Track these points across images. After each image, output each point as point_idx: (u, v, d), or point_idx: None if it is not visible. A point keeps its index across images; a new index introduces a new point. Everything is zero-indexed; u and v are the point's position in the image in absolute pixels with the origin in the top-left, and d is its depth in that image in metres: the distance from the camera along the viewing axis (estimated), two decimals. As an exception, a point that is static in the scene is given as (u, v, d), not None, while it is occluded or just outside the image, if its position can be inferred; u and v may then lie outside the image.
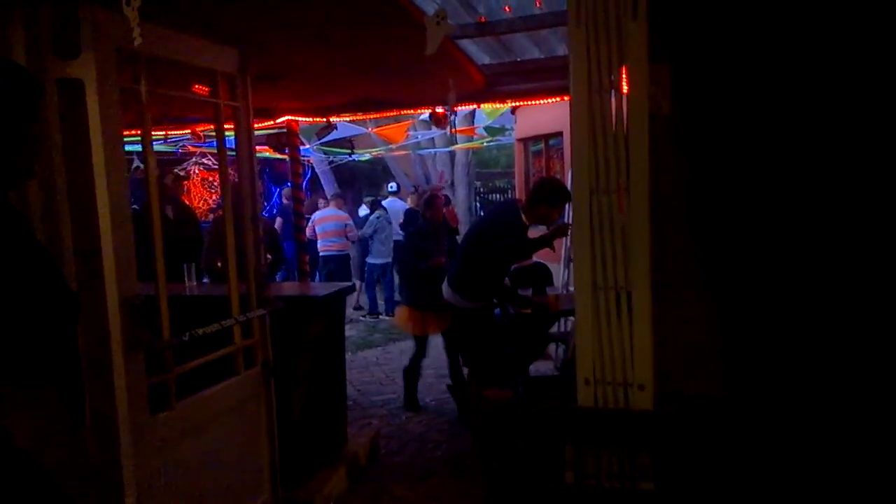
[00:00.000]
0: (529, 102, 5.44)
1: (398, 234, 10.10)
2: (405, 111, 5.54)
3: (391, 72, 4.50)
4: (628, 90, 1.78)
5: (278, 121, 5.32)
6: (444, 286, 4.31)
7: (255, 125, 5.61)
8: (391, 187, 11.08)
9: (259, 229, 3.01)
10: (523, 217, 4.14)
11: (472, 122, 14.13)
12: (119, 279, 2.14)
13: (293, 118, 5.26)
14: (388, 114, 5.61)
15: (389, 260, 9.42)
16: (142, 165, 11.65)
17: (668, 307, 1.84)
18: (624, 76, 1.80)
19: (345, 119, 5.70)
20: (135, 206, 10.59)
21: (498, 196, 18.26)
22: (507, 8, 4.14)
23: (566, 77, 5.29)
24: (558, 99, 5.30)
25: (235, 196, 3.03)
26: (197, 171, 12.67)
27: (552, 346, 6.23)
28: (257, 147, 8.92)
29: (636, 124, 1.77)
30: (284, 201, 10.60)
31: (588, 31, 1.81)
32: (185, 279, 4.35)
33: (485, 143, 13.80)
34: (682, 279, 2.02)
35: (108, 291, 2.13)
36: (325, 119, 5.35)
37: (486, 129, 10.92)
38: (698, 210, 1.98)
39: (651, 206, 1.77)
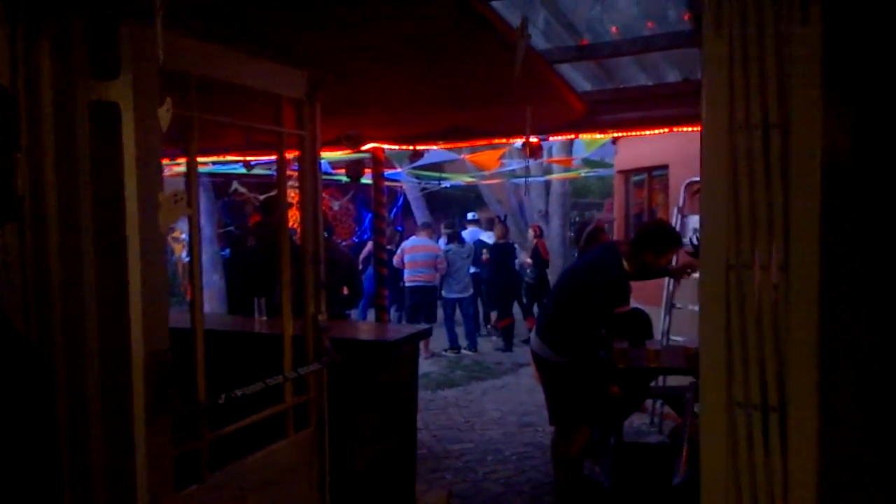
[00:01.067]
0: (634, 133, 4.91)
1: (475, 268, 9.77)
2: (497, 140, 5.16)
3: (479, 99, 4.15)
4: (791, 124, 1.25)
5: (364, 148, 5.09)
6: (533, 336, 3.85)
7: (338, 151, 5.50)
8: (471, 216, 10.76)
9: (321, 272, 2.69)
10: (625, 264, 3.63)
11: (570, 152, 13.61)
12: (146, 329, 1.86)
13: (379, 145, 5.01)
14: (478, 143, 5.24)
15: (466, 295, 9.05)
16: (241, 189, 12.00)
17: (838, 435, 1.25)
18: (781, 104, 1.28)
19: (432, 147, 5.40)
20: (230, 227, 10.82)
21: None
22: (614, 28, 3.69)
23: (675, 105, 4.80)
24: (665, 130, 4.75)
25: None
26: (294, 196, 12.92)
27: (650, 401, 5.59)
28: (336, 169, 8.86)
29: (803, 173, 1.24)
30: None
31: (733, 44, 1.32)
32: (255, 313, 4.15)
33: (582, 174, 13.21)
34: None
35: (134, 344, 1.85)
36: (411, 147, 5.07)
37: (585, 160, 10.36)
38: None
39: (821, 288, 1.23)
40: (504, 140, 5.28)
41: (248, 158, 6.13)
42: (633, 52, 3.75)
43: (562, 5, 3.38)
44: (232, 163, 7.41)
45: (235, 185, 11.48)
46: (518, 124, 4.86)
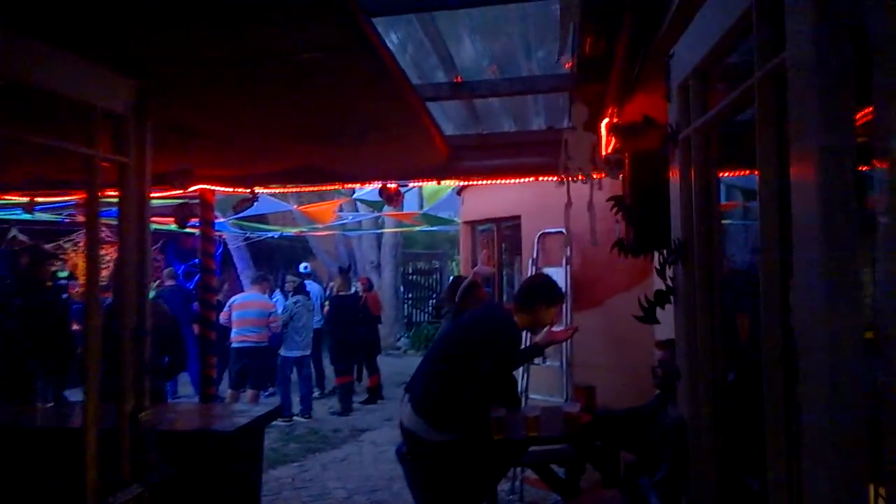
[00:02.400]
0: (497, 182, 4.65)
1: (317, 322, 8.98)
2: (350, 185, 4.61)
3: (341, 136, 3.61)
4: None
5: (190, 190, 4.26)
6: (406, 410, 3.28)
7: (159, 194, 4.56)
8: (304, 268, 9.97)
9: (146, 351, 1.93)
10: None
11: (402, 206, 13.36)
12: None
13: (208, 187, 4.22)
14: (327, 187, 4.65)
15: (307, 353, 8.21)
16: (20, 235, 10.02)
17: None
18: None
19: (274, 190, 4.70)
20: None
21: (422, 279, 17.40)
22: (492, 68, 3.39)
23: (539, 154, 4.66)
24: (530, 179, 4.57)
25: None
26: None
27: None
28: (160, 218, 7.69)
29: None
30: (168, 283, 9.36)
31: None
32: (37, 398, 3.12)
33: (416, 230, 13.04)
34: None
35: None
36: (249, 190, 4.33)
37: (424, 216, 10.14)
38: None
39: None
40: (358, 185, 4.74)
41: (35, 199, 4.89)
42: (511, 92, 3.48)
43: (444, 36, 3.01)
44: (10, 206, 5.99)
45: (14, 231, 9.55)
46: (378, 168, 4.40)
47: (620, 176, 3.50)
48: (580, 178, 3.45)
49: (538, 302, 3.24)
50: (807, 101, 0.98)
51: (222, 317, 7.67)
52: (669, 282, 1.98)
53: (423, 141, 3.73)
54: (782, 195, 1.15)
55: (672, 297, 1.99)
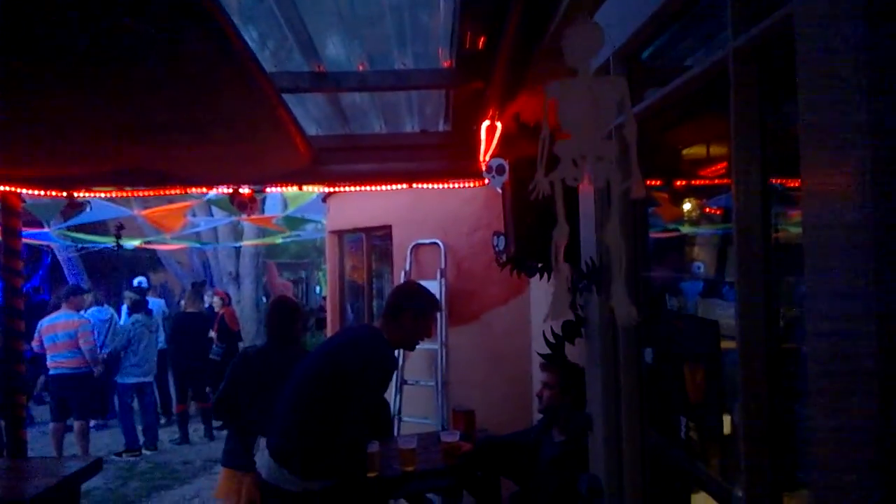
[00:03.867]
0: (366, 188, 4.24)
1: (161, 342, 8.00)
2: (193, 189, 3.97)
3: (180, 131, 3.02)
4: None
5: (-14, 192, 3.44)
6: (262, 457, 2.75)
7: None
8: (139, 282, 8.85)
9: None
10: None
11: (262, 210, 12.51)
12: None
13: (13, 189, 3.42)
14: (164, 192, 3.98)
15: (148, 379, 7.26)
16: None
17: None
18: None
19: (99, 195, 3.94)
20: None
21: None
22: (361, 64, 2.97)
23: (412, 159, 4.29)
24: (402, 186, 4.20)
25: None
26: None
27: None
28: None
29: None
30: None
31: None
32: None
33: (280, 240, 12.21)
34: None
35: None
36: (67, 194, 3.57)
37: (286, 219, 9.44)
38: None
39: None
40: (203, 189, 4.11)
41: None
42: (383, 86, 3.08)
43: (306, 23, 2.55)
44: None
45: None
46: (226, 170, 3.81)
47: (503, 184, 3.22)
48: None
49: (410, 312, 2.84)
50: (839, 71, 0.67)
51: (34, 343, 6.58)
52: (580, 311, 1.66)
53: (279, 140, 3.23)
54: (765, 211, 0.85)
55: (582, 330, 1.68)
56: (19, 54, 2.12)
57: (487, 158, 3.42)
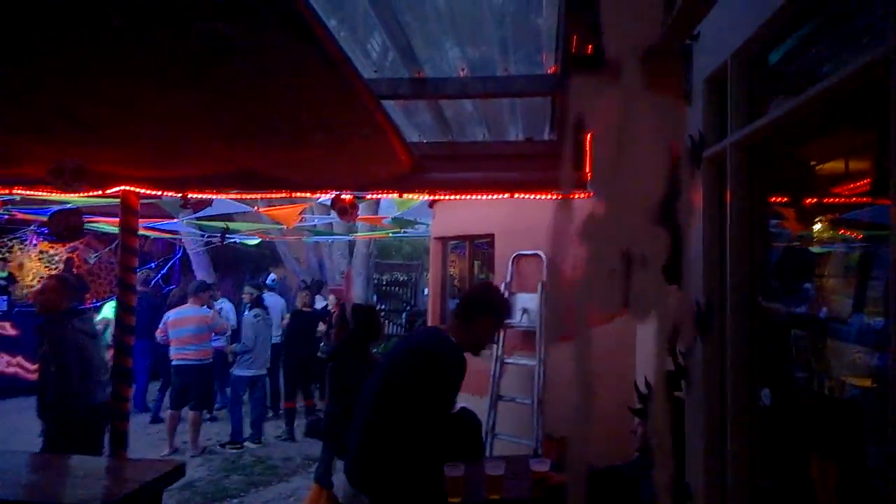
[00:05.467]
0: (466, 196, 4.12)
1: (277, 337, 8.30)
2: (300, 193, 4.03)
3: (286, 138, 3.05)
4: None
5: (110, 191, 3.66)
6: (347, 489, 2.71)
7: (80, 193, 3.95)
8: (270, 280, 9.23)
9: None
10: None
11: (377, 210, 12.78)
12: None
13: (132, 189, 3.62)
14: (270, 195, 4.07)
15: (262, 372, 7.50)
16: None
17: None
18: None
19: (212, 196, 4.11)
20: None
21: (398, 289, 16.77)
22: (461, 70, 2.86)
23: (515, 168, 4.13)
24: (504, 196, 4.04)
25: None
26: (35, 243, 10.25)
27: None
28: (108, 219, 7.02)
29: None
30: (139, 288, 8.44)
31: None
32: None
33: (390, 234, 12.45)
34: None
35: None
36: (182, 194, 3.74)
37: (395, 220, 9.57)
38: None
39: None
40: (309, 194, 4.17)
41: None
42: (485, 93, 2.95)
43: (406, 28, 2.47)
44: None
45: None
46: (328, 176, 3.84)
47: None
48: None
49: (477, 316, 2.69)
50: None
51: (158, 334, 7.03)
52: (681, 359, 1.43)
53: (379, 146, 3.18)
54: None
55: (684, 382, 1.44)
56: (127, 63, 2.19)
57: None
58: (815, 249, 2.33)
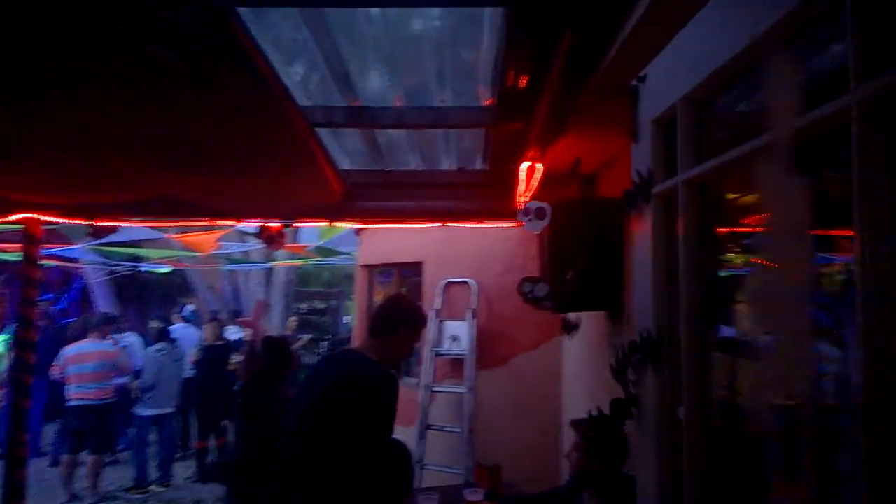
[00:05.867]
0: (399, 225, 4.10)
1: (189, 372, 7.87)
2: (221, 221, 3.87)
3: (210, 162, 2.92)
4: None
5: (12, 218, 3.38)
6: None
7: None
8: (187, 312, 8.77)
9: None
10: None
11: (296, 238, 12.47)
12: None
13: (34, 216, 3.36)
14: (192, 223, 3.89)
15: (169, 410, 7.05)
16: None
17: None
18: None
19: (121, 224, 3.86)
20: None
21: (317, 318, 16.34)
22: (398, 100, 2.84)
23: (450, 197, 4.14)
24: (438, 224, 4.04)
25: None
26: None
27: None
28: (3, 245, 6.46)
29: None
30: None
31: None
32: None
33: (310, 263, 12.17)
34: None
35: None
36: (91, 222, 3.50)
37: (318, 249, 9.38)
38: None
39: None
40: (233, 221, 4.00)
41: None
42: (420, 124, 2.95)
43: (342, 56, 2.44)
44: None
45: None
46: (257, 204, 3.71)
47: (541, 228, 3.03)
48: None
49: (403, 329, 2.64)
50: None
51: (54, 371, 6.49)
52: (631, 388, 1.45)
53: (311, 174, 3.11)
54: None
55: (633, 410, 1.46)
56: (41, 74, 2.04)
57: (525, 200, 3.25)
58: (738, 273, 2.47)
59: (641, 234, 1.40)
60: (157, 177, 3.25)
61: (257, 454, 3.48)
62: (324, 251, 9.38)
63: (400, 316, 2.70)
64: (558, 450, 4.72)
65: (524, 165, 3.05)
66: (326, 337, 15.92)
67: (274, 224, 3.73)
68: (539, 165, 3.01)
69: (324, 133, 3.12)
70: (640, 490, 1.37)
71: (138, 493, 6.62)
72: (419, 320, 2.77)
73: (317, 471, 2.42)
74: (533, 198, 3.19)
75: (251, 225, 3.87)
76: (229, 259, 11.74)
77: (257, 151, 2.80)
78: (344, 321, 17.04)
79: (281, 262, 12.03)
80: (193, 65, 1.96)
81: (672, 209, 1.29)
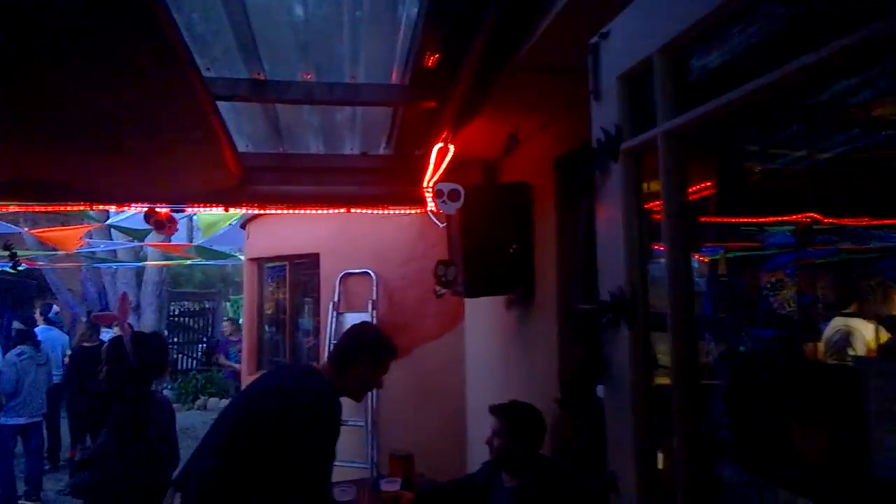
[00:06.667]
0: (300, 211, 3.93)
1: (57, 375, 7.15)
2: (100, 206, 3.52)
3: (88, 137, 2.63)
4: None
5: None
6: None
7: None
8: (52, 313, 7.95)
9: None
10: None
11: (169, 237, 11.69)
12: None
13: None
14: (65, 208, 3.51)
15: (37, 419, 6.38)
16: None
17: None
18: None
19: (-15, 210, 3.39)
20: None
21: (191, 320, 15.39)
22: (307, 74, 2.70)
23: (353, 182, 4.02)
24: (341, 210, 3.92)
25: None
26: None
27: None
28: None
29: None
30: None
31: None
32: None
33: (189, 263, 11.43)
34: None
35: None
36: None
37: (197, 248, 8.83)
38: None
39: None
40: (112, 208, 3.64)
41: None
42: (331, 100, 2.82)
43: (252, 25, 2.27)
44: None
45: None
46: (142, 185, 3.39)
47: (454, 210, 3.02)
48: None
49: (363, 364, 2.48)
50: None
51: None
52: (601, 350, 1.42)
53: (207, 153, 2.89)
54: None
55: (604, 374, 1.44)
56: None
57: (433, 183, 3.23)
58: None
59: (609, 192, 1.39)
60: (20, 153, 2.88)
61: (133, 473, 3.08)
62: (204, 251, 8.84)
63: (359, 347, 2.49)
64: (464, 438, 4.75)
65: (436, 147, 3.03)
66: (202, 340, 15.08)
67: (162, 209, 3.43)
68: (451, 147, 2.99)
69: (223, 109, 2.91)
70: (613, 454, 1.37)
71: (0, 514, 5.93)
72: (383, 353, 2.53)
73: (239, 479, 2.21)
74: (442, 180, 3.17)
75: (137, 210, 3.55)
76: (95, 258, 10.78)
77: (148, 123, 2.55)
78: (222, 324, 16.19)
79: (154, 263, 11.22)
80: (76, 22, 1.74)
81: (639, 166, 1.30)
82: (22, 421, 6.18)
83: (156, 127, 2.59)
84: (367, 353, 2.50)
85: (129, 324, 3.17)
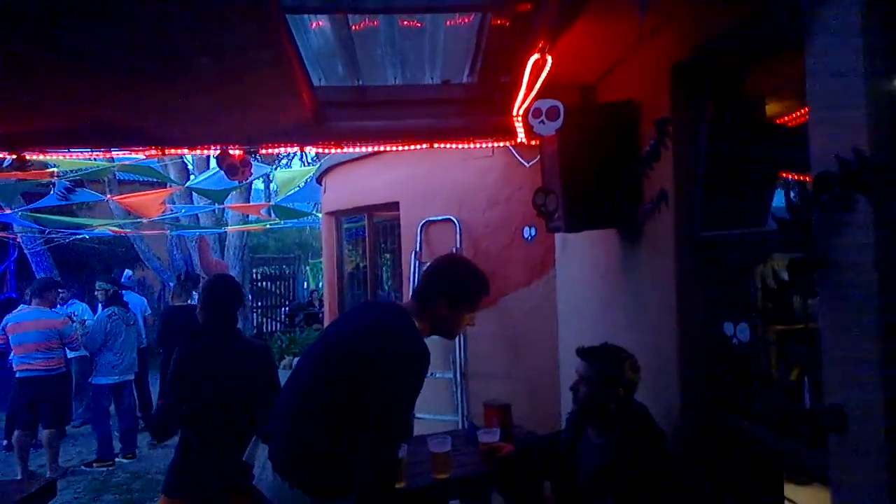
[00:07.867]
0: (378, 147, 3.65)
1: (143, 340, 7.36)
2: (171, 150, 3.35)
3: (159, 71, 2.41)
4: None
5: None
6: (264, 473, 2.17)
7: None
8: (126, 277, 8.19)
9: None
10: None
11: (248, 199, 11.80)
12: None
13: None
14: (135, 152, 3.35)
15: (129, 377, 6.55)
16: None
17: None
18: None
19: (53, 156, 3.29)
20: None
21: (272, 285, 15.73)
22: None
23: (434, 115, 3.68)
24: (423, 146, 3.61)
25: None
26: None
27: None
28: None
29: None
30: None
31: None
32: None
33: (268, 226, 11.54)
34: None
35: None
36: (14, 155, 2.94)
37: (275, 208, 8.79)
38: None
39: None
40: (183, 150, 3.48)
41: None
42: (413, 7, 2.49)
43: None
44: None
45: None
46: (211, 124, 3.19)
47: (554, 130, 2.65)
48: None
49: (446, 299, 2.20)
50: None
51: (-1, 341, 5.91)
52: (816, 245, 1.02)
53: (278, 80, 2.63)
54: None
55: (822, 273, 1.03)
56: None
57: (528, 102, 2.86)
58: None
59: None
60: (92, 98, 2.71)
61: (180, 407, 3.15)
62: (281, 210, 8.80)
63: (443, 284, 2.24)
64: (557, 391, 4.44)
65: (531, 61, 2.64)
66: (284, 304, 15.44)
67: (236, 151, 3.23)
68: (548, 59, 2.60)
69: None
70: (837, 382, 1.01)
71: (102, 466, 6.18)
72: (472, 293, 2.27)
73: (324, 428, 2.03)
74: (535, 99, 2.80)
75: (208, 153, 3.36)
76: (176, 225, 11.03)
77: (212, 45, 2.30)
78: (304, 286, 16.49)
79: (234, 228, 11.37)
80: None
81: None
82: (115, 379, 6.37)
83: (221, 46, 2.34)
84: (450, 289, 2.23)
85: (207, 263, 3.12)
